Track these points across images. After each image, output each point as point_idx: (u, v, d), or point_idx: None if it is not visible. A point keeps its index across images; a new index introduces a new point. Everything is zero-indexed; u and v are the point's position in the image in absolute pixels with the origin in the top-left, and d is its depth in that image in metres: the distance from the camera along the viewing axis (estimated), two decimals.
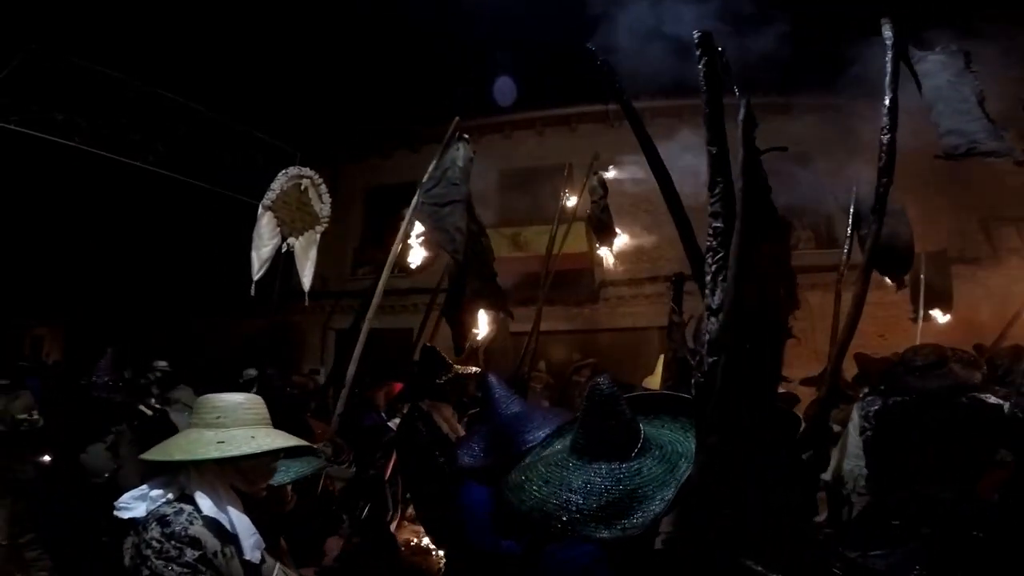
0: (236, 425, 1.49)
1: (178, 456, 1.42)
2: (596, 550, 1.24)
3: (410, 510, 4.81)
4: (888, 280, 4.01)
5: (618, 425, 1.22)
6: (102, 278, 11.04)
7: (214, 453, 1.41)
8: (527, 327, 5.27)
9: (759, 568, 1.38)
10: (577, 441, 1.25)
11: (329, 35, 11.68)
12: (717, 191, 1.29)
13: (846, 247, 4.19)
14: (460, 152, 3.76)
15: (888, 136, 2.23)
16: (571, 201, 6.15)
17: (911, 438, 2.90)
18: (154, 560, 1.29)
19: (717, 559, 1.21)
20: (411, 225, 3.75)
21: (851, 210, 4.17)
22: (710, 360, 1.15)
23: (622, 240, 6.10)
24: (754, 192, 1.25)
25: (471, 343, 5.32)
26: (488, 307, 3.80)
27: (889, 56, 2.43)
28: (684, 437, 1.29)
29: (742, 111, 1.40)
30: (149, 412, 3.55)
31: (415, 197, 3.61)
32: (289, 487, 1.90)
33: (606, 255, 5.71)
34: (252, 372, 5.92)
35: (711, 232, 1.30)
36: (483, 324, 4.29)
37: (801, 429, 2.45)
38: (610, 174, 5.69)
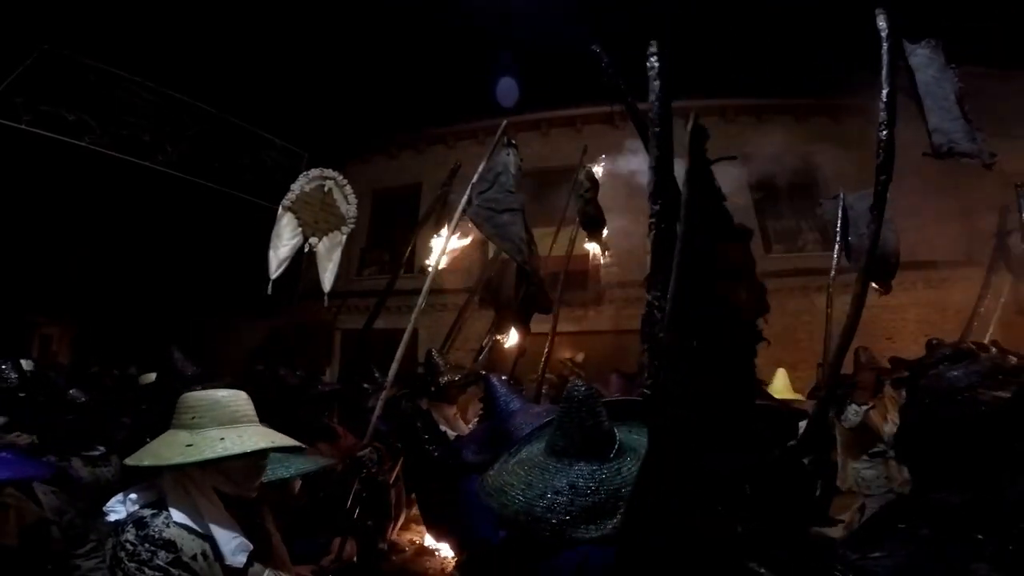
0: (211, 425, 1.43)
1: (147, 461, 1.38)
2: (599, 551, 1.20)
3: (414, 510, 4.82)
4: (874, 285, 4.02)
5: (596, 427, 1.23)
6: (113, 278, 11.14)
7: (177, 459, 1.35)
8: (535, 328, 5.27)
9: (761, 570, 1.38)
10: (556, 443, 1.25)
11: (336, 37, 11.74)
12: (659, 197, 1.28)
13: (835, 251, 4.18)
14: (511, 159, 3.80)
15: (886, 132, 2.12)
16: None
17: (926, 435, 2.85)
18: (127, 562, 1.26)
19: (720, 561, 1.20)
20: (461, 223, 3.78)
21: (839, 215, 4.17)
22: (656, 364, 1.14)
23: (627, 241, 6.09)
24: (703, 201, 1.25)
25: (484, 344, 5.39)
26: (539, 311, 3.89)
27: (885, 48, 2.32)
28: None
29: (691, 121, 1.38)
30: None
31: (465, 196, 3.62)
32: (296, 483, 1.88)
33: (594, 249, 5.70)
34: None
35: (654, 234, 1.28)
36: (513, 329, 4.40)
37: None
38: (599, 172, 5.67)
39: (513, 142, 3.94)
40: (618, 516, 1.10)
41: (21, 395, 2.73)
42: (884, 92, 2.20)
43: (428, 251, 4.11)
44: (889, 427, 4.06)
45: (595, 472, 1.17)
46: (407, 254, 6.65)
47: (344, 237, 4.33)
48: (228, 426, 1.45)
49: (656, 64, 1.44)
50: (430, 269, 4.30)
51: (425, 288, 3.49)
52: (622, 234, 6.20)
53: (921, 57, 3.00)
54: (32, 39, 6.95)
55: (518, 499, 1.17)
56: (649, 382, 1.28)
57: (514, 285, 3.82)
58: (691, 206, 1.21)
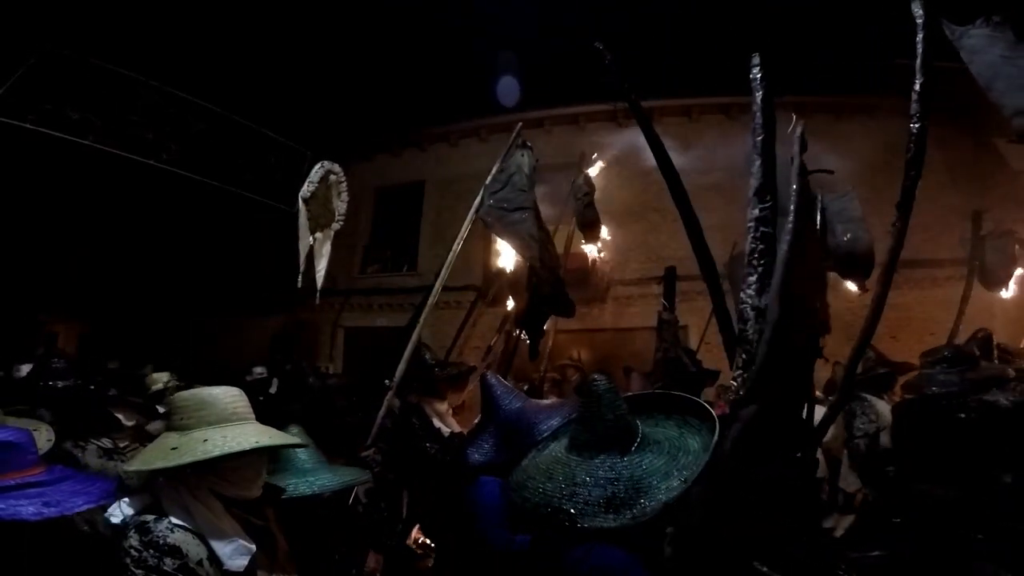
0: (199, 426, 1.39)
1: (135, 467, 1.38)
2: (626, 555, 1.19)
3: None
4: (850, 285, 3.99)
5: (616, 420, 1.24)
6: (117, 276, 11.18)
7: (159, 463, 1.33)
8: None
9: (764, 569, 1.38)
10: (577, 438, 1.27)
11: (339, 35, 11.74)
12: (767, 199, 1.37)
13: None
14: (525, 159, 3.82)
15: (918, 125, 2.03)
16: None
17: (923, 435, 2.86)
18: (133, 569, 1.24)
19: (727, 561, 1.21)
20: (474, 223, 3.75)
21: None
22: (756, 362, 1.17)
23: (629, 239, 6.11)
24: (805, 208, 1.32)
25: (492, 343, 5.41)
26: (558, 313, 3.85)
27: (920, 36, 2.18)
28: (679, 433, 1.29)
29: (799, 130, 1.46)
30: None
31: (479, 196, 3.63)
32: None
33: (591, 252, 5.80)
34: (260, 371, 5.86)
35: (758, 236, 1.34)
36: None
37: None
38: (595, 172, 5.71)
39: (528, 143, 3.96)
40: (640, 506, 1.11)
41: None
42: (918, 83, 2.08)
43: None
44: None
45: (615, 464, 1.19)
46: (453, 253, 6.73)
47: (332, 234, 4.32)
48: (216, 426, 1.40)
49: (759, 75, 1.49)
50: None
51: (437, 287, 3.47)
52: (624, 232, 6.20)
53: (979, 38, 2.82)
54: (35, 39, 6.96)
55: (538, 492, 1.20)
56: (740, 381, 1.34)
57: (527, 285, 3.80)
58: (799, 214, 1.27)
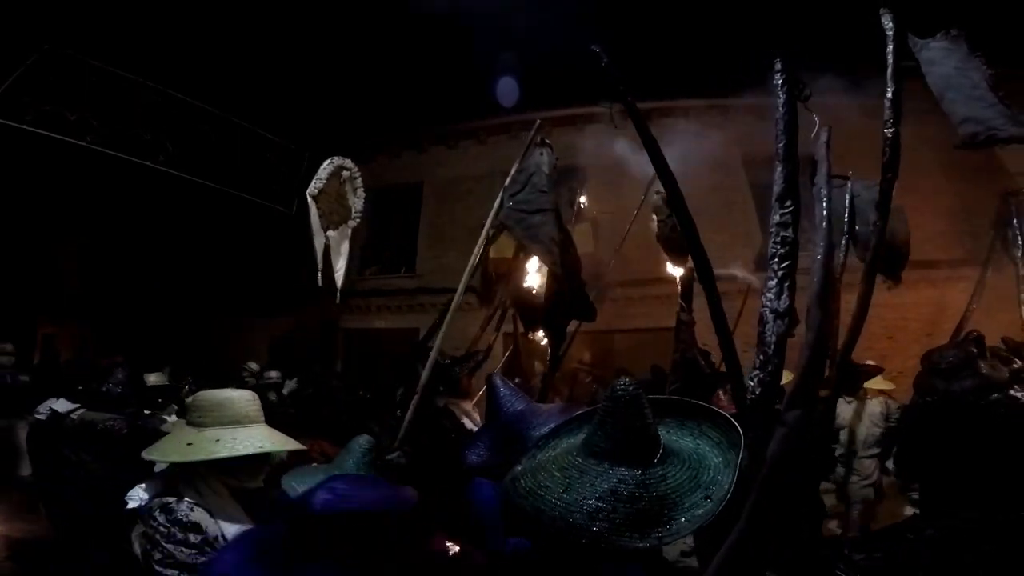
0: (213, 425, 1.55)
1: (153, 456, 1.57)
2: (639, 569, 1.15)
3: None
4: (886, 279, 3.94)
5: (642, 429, 1.16)
6: (117, 278, 11.16)
7: (174, 456, 1.52)
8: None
9: (767, 573, 1.39)
10: (596, 444, 1.18)
11: (337, 36, 11.74)
12: (788, 204, 1.41)
13: (842, 246, 4.10)
14: (545, 159, 3.68)
15: (892, 131, 2.13)
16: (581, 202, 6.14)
17: (937, 440, 2.85)
18: (164, 544, 1.39)
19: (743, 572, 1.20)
20: (494, 227, 3.70)
21: (846, 208, 4.09)
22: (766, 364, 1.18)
23: (627, 242, 6.08)
24: (836, 214, 1.37)
25: (492, 341, 5.36)
26: (579, 318, 3.72)
27: (890, 47, 2.31)
28: (695, 445, 1.23)
29: (824, 136, 1.51)
30: None
31: (497, 200, 3.54)
32: None
33: (678, 274, 5.44)
34: (274, 375, 5.80)
35: (779, 240, 1.40)
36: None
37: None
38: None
39: (548, 141, 3.81)
40: (667, 525, 1.05)
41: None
42: (889, 91, 2.19)
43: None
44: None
45: (638, 477, 1.11)
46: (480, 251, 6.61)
47: (350, 231, 4.26)
48: (228, 426, 1.56)
49: (780, 80, 1.53)
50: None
51: (459, 291, 3.39)
52: (621, 232, 6.20)
53: (936, 51, 2.98)
54: (34, 39, 6.95)
55: (555, 504, 1.11)
56: (756, 382, 1.35)
57: (546, 288, 3.67)
58: (832, 220, 1.30)
